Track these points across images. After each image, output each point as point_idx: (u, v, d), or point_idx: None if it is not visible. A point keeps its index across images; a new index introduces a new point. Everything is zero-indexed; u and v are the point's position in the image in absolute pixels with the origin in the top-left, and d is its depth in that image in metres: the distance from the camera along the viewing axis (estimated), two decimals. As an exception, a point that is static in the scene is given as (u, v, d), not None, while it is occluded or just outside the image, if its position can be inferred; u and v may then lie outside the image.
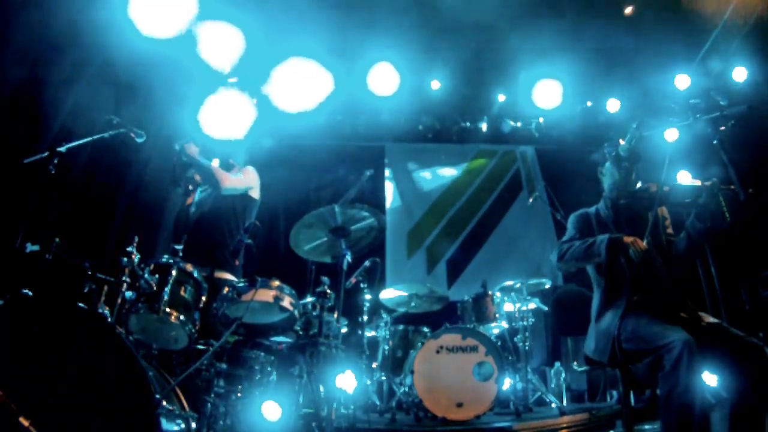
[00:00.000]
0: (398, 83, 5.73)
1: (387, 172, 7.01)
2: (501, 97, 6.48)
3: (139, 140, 2.95)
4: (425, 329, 4.48)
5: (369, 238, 3.10)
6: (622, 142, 2.58)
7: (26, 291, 2.05)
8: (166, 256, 2.49)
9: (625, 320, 2.28)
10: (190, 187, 3.33)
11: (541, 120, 6.70)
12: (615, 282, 2.44)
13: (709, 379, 2.16)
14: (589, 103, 6.33)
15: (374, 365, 4.46)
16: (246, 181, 3.33)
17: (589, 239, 2.45)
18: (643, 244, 2.27)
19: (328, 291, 2.88)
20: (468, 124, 6.97)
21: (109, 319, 2.00)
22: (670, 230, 2.60)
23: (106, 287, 2.22)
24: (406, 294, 4.70)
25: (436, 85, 6.18)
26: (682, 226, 2.47)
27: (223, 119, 4.15)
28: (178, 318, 2.36)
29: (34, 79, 3.80)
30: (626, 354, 2.24)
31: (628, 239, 2.31)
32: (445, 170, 7.14)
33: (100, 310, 2.16)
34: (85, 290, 2.26)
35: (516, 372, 4.21)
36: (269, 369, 2.69)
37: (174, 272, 2.43)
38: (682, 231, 2.47)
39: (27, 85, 3.74)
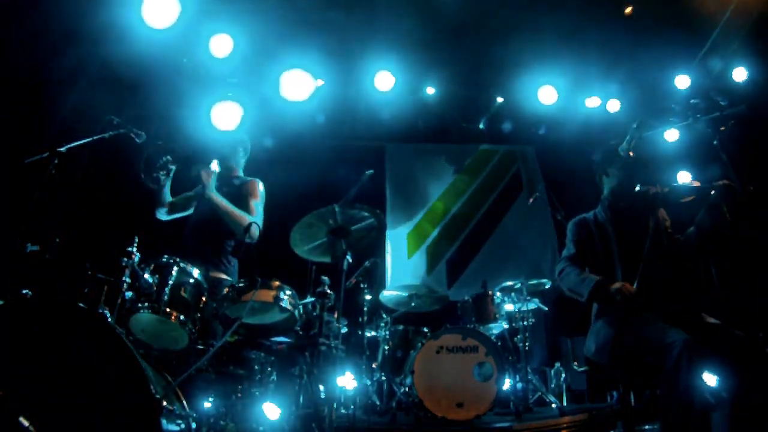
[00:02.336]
0: (398, 83, 5.74)
1: (387, 173, 7.01)
2: (503, 95, 6.47)
3: (139, 141, 2.95)
4: (425, 329, 4.48)
5: (369, 238, 3.10)
6: (624, 143, 2.58)
7: (26, 291, 2.05)
8: (166, 256, 2.49)
9: (625, 321, 2.27)
10: (162, 176, 3.19)
11: (541, 120, 6.70)
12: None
13: (710, 379, 2.16)
14: (597, 101, 6.30)
15: (374, 365, 4.46)
16: (261, 199, 3.27)
17: (584, 274, 2.42)
18: (632, 288, 2.22)
19: (328, 291, 2.88)
20: (468, 124, 6.97)
21: (109, 319, 2.00)
22: (670, 230, 2.59)
23: (106, 287, 2.21)
24: (406, 294, 4.71)
25: (431, 91, 6.18)
26: (682, 226, 2.47)
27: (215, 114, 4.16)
28: (178, 318, 2.36)
29: (34, 80, 3.80)
30: (626, 355, 2.23)
31: (615, 285, 2.25)
32: (446, 170, 7.14)
33: (100, 310, 2.16)
34: (85, 290, 2.25)
35: (516, 372, 4.21)
36: (269, 369, 2.69)
37: (174, 272, 2.43)
38: (682, 231, 2.47)
39: (27, 85, 3.74)
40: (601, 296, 2.30)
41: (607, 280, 2.33)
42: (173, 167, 3.14)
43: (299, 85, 5.01)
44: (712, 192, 2.24)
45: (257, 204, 3.19)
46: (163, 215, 3.38)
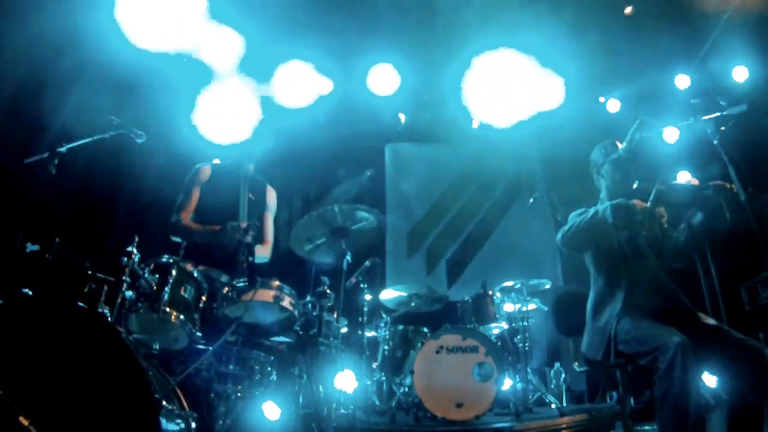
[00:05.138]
0: (398, 83, 5.74)
1: (387, 173, 7.01)
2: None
3: (139, 141, 2.94)
4: (425, 329, 4.48)
5: (369, 238, 3.10)
6: (618, 144, 2.59)
7: (26, 291, 2.05)
8: (166, 256, 2.49)
9: (621, 320, 2.28)
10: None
11: (541, 120, 6.69)
12: (611, 281, 2.44)
13: (709, 380, 2.16)
14: (601, 99, 6.30)
15: (374, 365, 4.46)
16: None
17: (591, 211, 2.45)
18: (644, 204, 2.30)
19: (328, 291, 2.88)
20: (468, 124, 6.96)
21: (109, 319, 2.00)
22: (666, 227, 2.60)
23: (106, 287, 2.22)
24: (405, 294, 4.70)
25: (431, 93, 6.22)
26: (680, 224, 2.47)
27: (227, 118, 4.09)
28: (178, 318, 2.36)
29: (34, 80, 3.81)
30: (623, 355, 2.24)
31: (631, 200, 2.32)
32: (446, 171, 7.14)
33: (100, 310, 2.16)
34: (85, 290, 2.25)
35: (516, 372, 4.21)
36: (269, 369, 2.69)
37: (174, 272, 2.43)
38: (680, 225, 2.47)
39: (28, 85, 3.75)
40: (623, 211, 2.32)
41: (622, 199, 2.37)
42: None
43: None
44: (709, 191, 2.25)
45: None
46: None
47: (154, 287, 2.34)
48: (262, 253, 3.13)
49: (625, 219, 2.34)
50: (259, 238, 3.10)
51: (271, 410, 2.45)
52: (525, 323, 4.43)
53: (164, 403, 1.80)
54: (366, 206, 2.91)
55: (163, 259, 2.46)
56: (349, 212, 2.91)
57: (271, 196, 3.33)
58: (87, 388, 1.67)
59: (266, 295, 2.51)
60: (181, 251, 2.48)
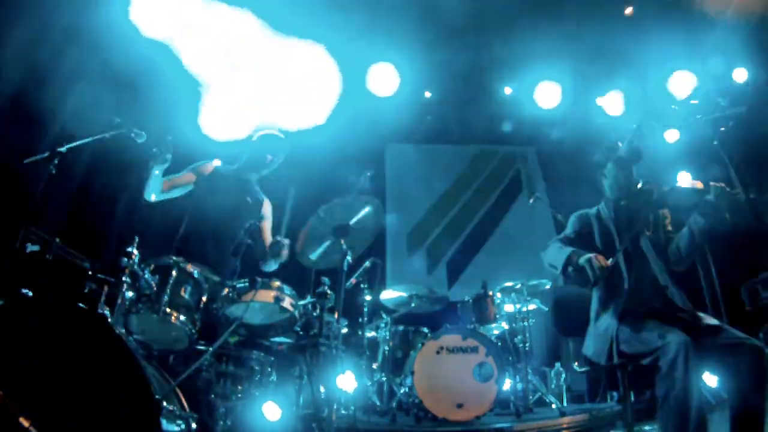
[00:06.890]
0: (398, 84, 5.74)
1: (387, 173, 7.01)
2: (503, 95, 6.48)
3: (140, 141, 2.93)
4: (425, 330, 4.48)
5: (369, 230, 3.08)
6: (620, 144, 2.59)
7: (26, 291, 2.05)
8: (166, 257, 2.49)
9: (623, 321, 2.28)
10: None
11: (541, 121, 6.69)
12: (613, 282, 2.44)
13: (710, 379, 2.16)
14: (600, 101, 6.31)
15: (374, 366, 4.45)
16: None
17: (564, 248, 2.45)
18: (606, 261, 2.23)
19: (329, 291, 2.88)
20: (468, 124, 6.97)
21: (109, 320, 2.00)
22: (669, 228, 2.60)
23: (106, 287, 2.21)
24: (406, 294, 4.70)
25: (428, 94, 6.25)
26: (683, 226, 2.47)
27: (227, 117, 4.10)
28: (178, 318, 2.36)
29: (34, 80, 3.80)
30: (624, 356, 2.24)
31: (585, 256, 2.27)
32: (446, 171, 7.14)
33: (100, 310, 2.16)
34: (85, 290, 2.25)
35: (516, 373, 4.21)
36: (269, 370, 2.69)
37: (174, 273, 2.42)
38: (682, 229, 2.47)
39: (28, 85, 3.75)
40: (572, 267, 2.31)
41: (580, 251, 2.33)
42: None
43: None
44: (711, 196, 2.24)
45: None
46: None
47: (155, 288, 2.33)
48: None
49: (574, 280, 2.36)
50: (262, 253, 3.11)
51: (271, 411, 2.45)
52: (525, 323, 4.43)
53: (164, 403, 1.80)
54: (357, 195, 2.90)
55: (164, 260, 2.45)
56: (343, 206, 2.90)
57: (267, 208, 3.36)
58: (87, 389, 1.66)
59: (267, 295, 2.51)
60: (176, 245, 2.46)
